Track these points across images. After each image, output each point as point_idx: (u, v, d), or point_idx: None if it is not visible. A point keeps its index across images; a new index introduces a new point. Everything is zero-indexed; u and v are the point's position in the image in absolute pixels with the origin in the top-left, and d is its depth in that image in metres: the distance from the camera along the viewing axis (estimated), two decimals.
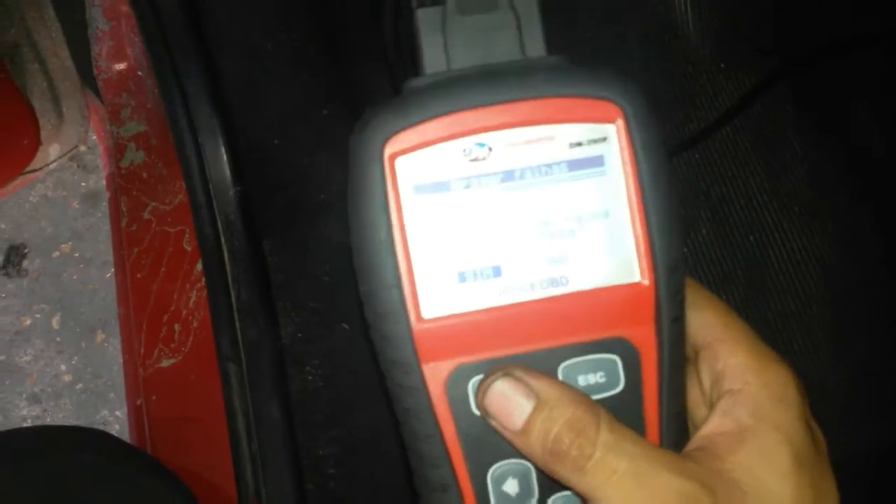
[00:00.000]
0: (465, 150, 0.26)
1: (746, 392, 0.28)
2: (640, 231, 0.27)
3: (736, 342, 0.29)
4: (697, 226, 0.62)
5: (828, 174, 0.63)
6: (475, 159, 0.26)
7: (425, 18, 0.28)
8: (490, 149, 0.26)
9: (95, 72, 0.66)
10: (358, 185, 0.26)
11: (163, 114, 0.54)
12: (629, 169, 0.26)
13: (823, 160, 0.63)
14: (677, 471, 0.26)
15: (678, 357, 0.28)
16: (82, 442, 0.55)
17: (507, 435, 0.27)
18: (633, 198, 0.26)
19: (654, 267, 0.27)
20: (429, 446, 0.28)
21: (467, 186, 0.27)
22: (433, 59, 0.28)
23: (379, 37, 0.58)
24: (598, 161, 0.27)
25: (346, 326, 0.55)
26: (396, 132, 0.26)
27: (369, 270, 0.27)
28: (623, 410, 0.27)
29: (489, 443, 0.27)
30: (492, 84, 0.26)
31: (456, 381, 0.27)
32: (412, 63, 0.29)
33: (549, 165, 0.27)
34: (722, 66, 0.64)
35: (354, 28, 0.61)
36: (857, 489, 0.57)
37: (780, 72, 0.64)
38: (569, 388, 0.27)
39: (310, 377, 0.54)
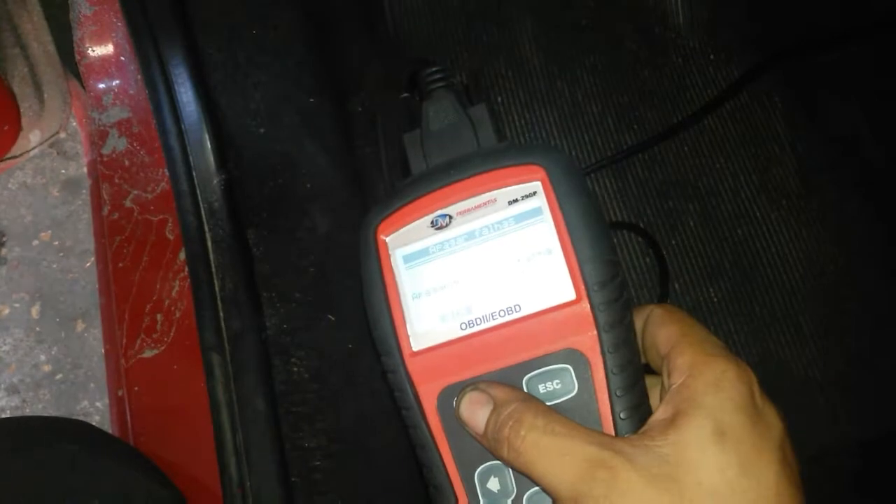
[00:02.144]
0: (432, 222, 0.35)
1: (685, 383, 0.31)
2: (570, 259, 0.33)
3: (687, 345, 0.33)
4: (685, 219, 0.62)
5: (816, 167, 0.64)
6: (441, 227, 0.35)
7: (409, 139, 0.38)
8: (450, 217, 0.35)
9: (77, 57, 0.65)
10: (363, 260, 0.36)
11: (146, 100, 0.54)
12: (557, 213, 0.34)
13: (812, 153, 0.64)
14: (595, 443, 0.30)
15: (623, 358, 0.33)
16: (64, 433, 0.55)
17: (478, 439, 0.33)
18: (563, 234, 0.33)
19: (586, 285, 0.33)
20: (427, 453, 0.34)
21: (441, 249, 0.35)
22: (416, 164, 0.38)
23: (368, 26, 0.58)
24: (534, 211, 0.34)
25: (332, 318, 0.54)
26: (384, 219, 0.36)
27: (373, 320, 0.35)
28: (580, 410, 0.32)
29: (473, 448, 0.34)
30: (446, 171, 0.36)
31: (444, 399, 0.34)
32: (406, 169, 0.38)
33: (497, 222, 0.34)
34: (711, 57, 0.64)
35: (341, 15, 0.61)
36: (842, 478, 0.57)
37: (770, 64, 0.64)
38: (517, 391, 0.33)
39: (295, 368, 0.53)
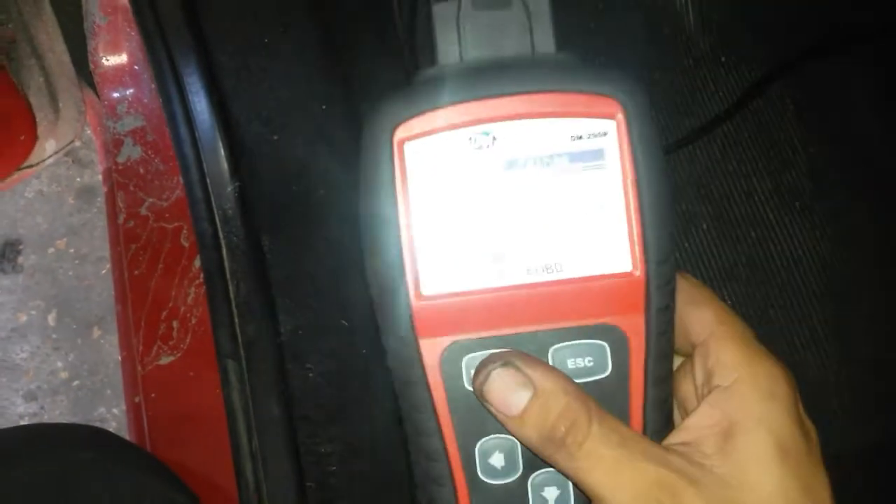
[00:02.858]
0: (470, 139, 0.28)
1: (735, 387, 0.29)
2: (634, 223, 0.28)
3: (729, 339, 0.30)
4: (699, 221, 0.62)
5: (829, 170, 0.63)
6: (480, 147, 0.28)
7: (440, 13, 0.29)
8: (494, 138, 0.28)
9: (92, 66, 0.66)
10: (368, 166, 0.28)
11: (160, 108, 0.54)
12: (627, 164, 0.28)
13: (825, 156, 0.63)
14: (659, 461, 0.27)
15: (665, 346, 0.29)
16: (82, 440, 0.55)
17: (501, 418, 0.28)
18: (630, 191, 0.28)
19: (646, 258, 0.28)
20: (421, 416, 0.29)
21: (471, 173, 0.28)
22: (446, 51, 0.29)
23: (379, 31, 0.58)
24: (597, 154, 0.28)
25: (346, 323, 0.54)
26: (407, 119, 0.28)
27: (375, 247, 0.28)
28: (609, 395, 0.29)
29: (479, 417, 0.29)
30: (499, 76, 0.28)
31: (450, 357, 0.29)
32: (427, 54, 0.30)
33: (550, 156, 0.28)
34: (723, 59, 0.64)
35: (354, 22, 0.61)
36: (857, 482, 0.57)
37: (782, 66, 0.64)
38: (563, 377, 0.28)
39: (310, 374, 0.53)
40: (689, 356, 0.32)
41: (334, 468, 0.51)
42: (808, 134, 0.64)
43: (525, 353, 0.29)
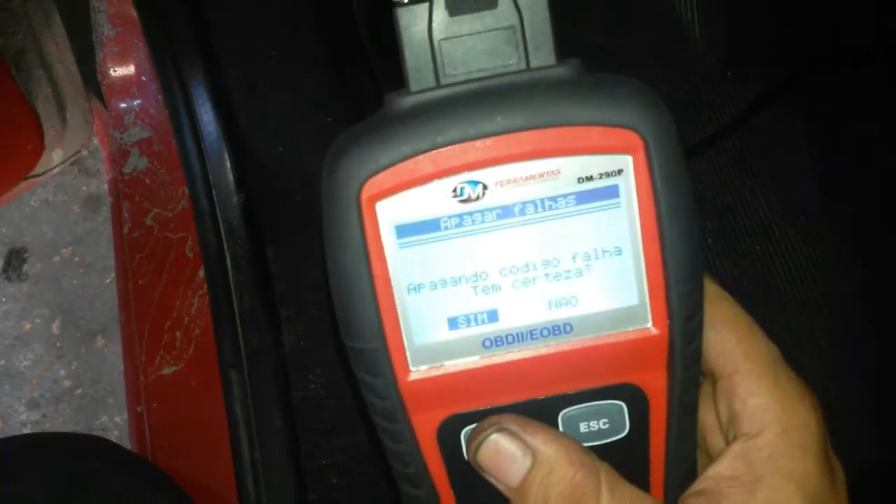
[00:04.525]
0: (455, 190, 0.23)
1: (763, 438, 0.26)
2: (655, 273, 0.23)
3: (757, 377, 0.26)
4: (703, 235, 0.62)
5: (834, 185, 0.63)
6: (467, 199, 0.23)
7: (408, 19, 0.23)
8: (485, 187, 0.23)
9: (99, 77, 0.66)
10: (334, 230, 0.23)
11: (167, 119, 0.54)
12: (647, 203, 0.23)
13: (830, 171, 0.63)
14: None
15: (690, 402, 0.26)
16: (83, 450, 0.55)
17: (502, 489, 0.25)
18: (650, 235, 0.23)
19: (670, 313, 0.24)
20: (420, 492, 0.26)
21: (458, 225, 0.23)
22: (418, 71, 0.23)
23: (386, 44, 0.58)
24: (611, 192, 0.23)
25: None
26: (375, 172, 0.22)
27: (350, 326, 0.24)
28: (626, 455, 0.25)
29: (482, 489, 0.25)
30: (488, 110, 0.22)
31: (447, 430, 0.25)
32: (393, 74, 0.25)
33: (553, 198, 0.23)
34: (729, 74, 0.64)
35: (360, 35, 0.61)
36: (864, 499, 0.57)
37: (788, 81, 0.64)
38: (567, 442, 0.25)
39: (312, 386, 0.53)
40: (706, 384, 0.29)
41: (335, 480, 0.51)
42: (814, 149, 0.64)
43: (524, 417, 0.25)
